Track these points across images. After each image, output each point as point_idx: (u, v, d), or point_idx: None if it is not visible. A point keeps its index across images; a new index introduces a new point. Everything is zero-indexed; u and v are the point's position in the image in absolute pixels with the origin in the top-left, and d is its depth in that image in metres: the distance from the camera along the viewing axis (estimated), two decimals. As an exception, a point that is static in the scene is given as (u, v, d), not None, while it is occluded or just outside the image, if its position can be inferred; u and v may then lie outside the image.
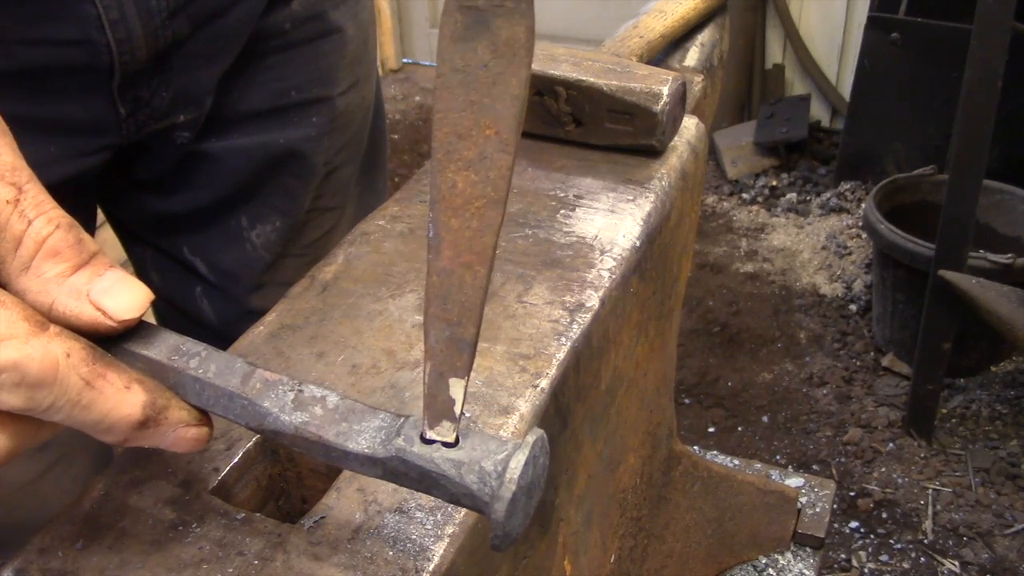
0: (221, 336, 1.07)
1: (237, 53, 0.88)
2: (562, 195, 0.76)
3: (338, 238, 1.06)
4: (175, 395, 0.43)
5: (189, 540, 0.47)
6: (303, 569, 0.45)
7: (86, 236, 0.41)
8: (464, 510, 0.48)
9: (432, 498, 0.49)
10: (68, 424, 0.40)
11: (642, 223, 0.74)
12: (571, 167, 0.80)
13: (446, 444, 0.40)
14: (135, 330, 0.43)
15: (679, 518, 1.03)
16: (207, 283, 1.01)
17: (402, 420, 0.42)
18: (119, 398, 0.40)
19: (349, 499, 0.49)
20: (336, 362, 0.58)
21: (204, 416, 0.44)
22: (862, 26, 3.05)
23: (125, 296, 0.41)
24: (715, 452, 1.28)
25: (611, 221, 0.73)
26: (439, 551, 0.47)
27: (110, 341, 0.42)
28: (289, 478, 0.55)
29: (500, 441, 0.41)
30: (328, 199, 1.03)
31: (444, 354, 0.41)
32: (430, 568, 0.46)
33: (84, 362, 0.39)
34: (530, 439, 0.40)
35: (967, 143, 1.94)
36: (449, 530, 0.48)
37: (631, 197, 0.76)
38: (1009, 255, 2.18)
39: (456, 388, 0.41)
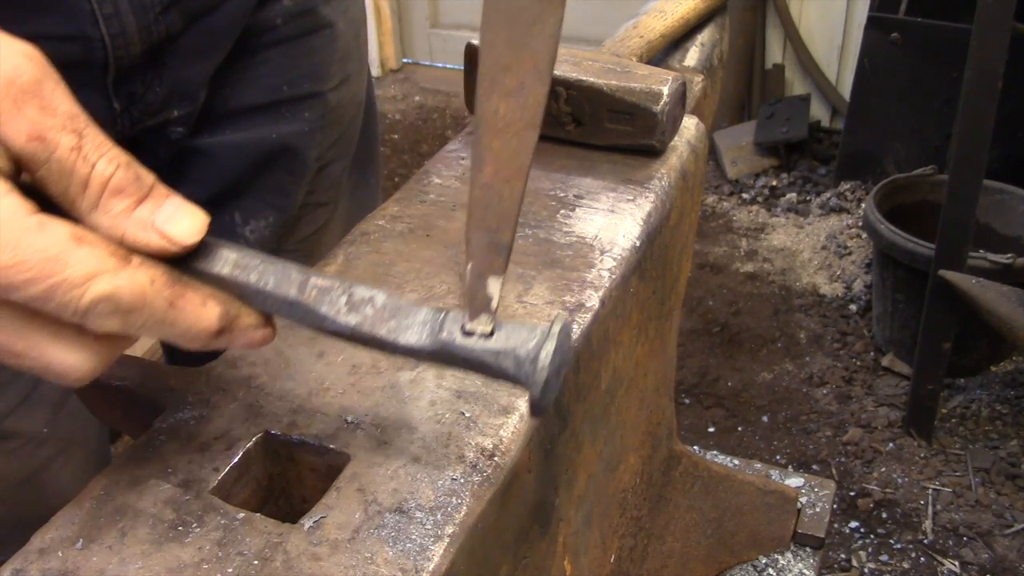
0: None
1: (229, 48, 0.88)
2: (562, 195, 0.76)
3: (331, 234, 1.06)
4: (243, 304, 0.48)
5: (189, 540, 0.47)
6: (303, 569, 0.45)
7: (143, 171, 0.45)
8: (464, 510, 0.49)
9: (432, 498, 0.49)
10: (156, 337, 0.46)
11: (642, 223, 0.73)
12: (571, 167, 0.80)
13: (484, 335, 0.46)
14: (198, 248, 0.47)
15: (679, 518, 1.03)
16: None
17: (443, 315, 0.47)
18: (198, 313, 0.45)
19: (349, 499, 0.49)
20: (336, 362, 0.58)
21: (268, 318, 0.49)
22: (862, 26, 3.05)
23: (186, 222, 0.46)
24: (715, 452, 1.28)
25: (611, 221, 0.73)
26: (439, 551, 0.47)
27: (179, 262, 0.47)
28: (289, 478, 0.55)
29: (530, 329, 0.46)
30: (321, 194, 1.03)
31: (484, 257, 0.47)
32: (430, 568, 0.46)
33: (166, 286, 0.44)
34: (555, 329, 0.46)
35: (967, 143, 1.94)
36: (449, 530, 0.48)
37: (631, 197, 0.76)
38: (1009, 255, 2.18)
39: (493, 285, 0.47)
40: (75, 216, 0.44)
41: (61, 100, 0.43)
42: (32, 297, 0.41)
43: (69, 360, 0.44)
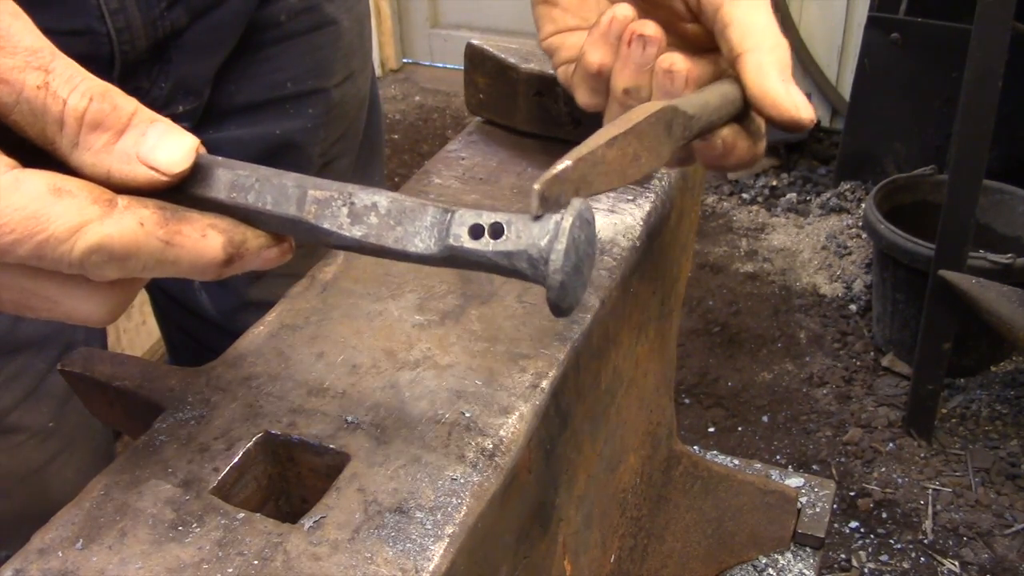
0: (219, 327, 1.07)
1: (234, 45, 0.89)
2: (562, 195, 0.76)
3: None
4: (248, 227, 0.45)
5: (189, 540, 0.47)
6: (303, 569, 0.45)
7: (120, 99, 0.42)
8: (464, 510, 0.49)
9: (432, 498, 0.49)
10: (165, 276, 0.44)
11: (642, 223, 0.73)
12: (571, 167, 0.80)
13: (493, 236, 0.43)
14: (194, 172, 0.45)
15: (679, 518, 1.03)
16: None
17: (449, 216, 0.44)
18: (200, 247, 0.43)
19: (349, 499, 0.49)
20: (336, 362, 0.58)
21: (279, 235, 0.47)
22: (862, 26, 3.05)
23: (172, 148, 0.43)
24: (715, 452, 1.28)
25: (611, 221, 0.73)
26: (439, 551, 0.46)
27: (176, 190, 0.44)
28: (289, 478, 0.55)
29: (543, 224, 0.43)
30: None
31: (581, 170, 0.45)
32: (430, 568, 0.46)
33: (158, 225, 0.42)
34: (565, 224, 0.42)
35: (967, 143, 1.94)
36: (449, 530, 0.48)
37: (631, 197, 0.76)
38: (1009, 255, 2.18)
39: (571, 192, 0.44)
40: (59, 158, 0.42)
41: (21, 35, 0.40)
42: (24, 257, 0.39)
43: (85, 308, 0.43)
